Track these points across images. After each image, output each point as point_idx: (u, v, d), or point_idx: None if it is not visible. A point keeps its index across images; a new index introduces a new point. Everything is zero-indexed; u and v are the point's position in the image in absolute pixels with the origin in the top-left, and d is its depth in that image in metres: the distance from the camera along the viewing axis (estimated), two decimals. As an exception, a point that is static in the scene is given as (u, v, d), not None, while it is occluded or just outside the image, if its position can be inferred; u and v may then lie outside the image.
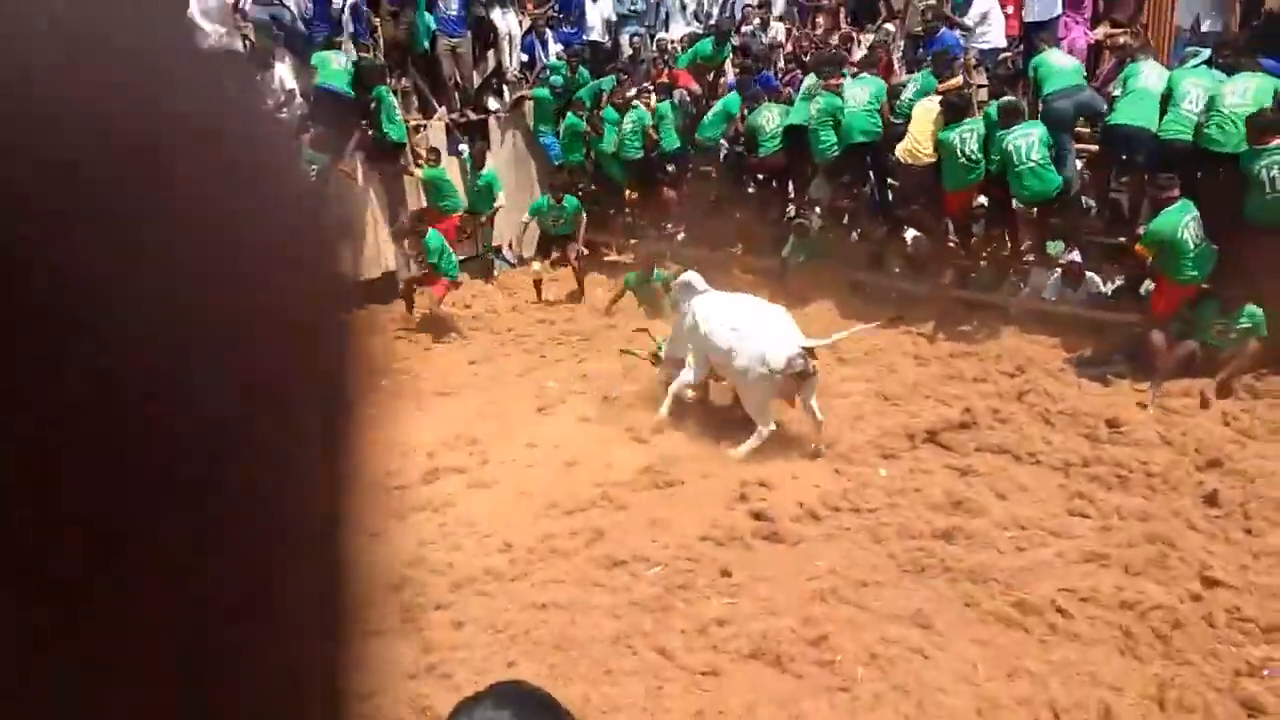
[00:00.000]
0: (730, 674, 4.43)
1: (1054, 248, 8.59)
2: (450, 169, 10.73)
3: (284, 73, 9.96)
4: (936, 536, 5.45)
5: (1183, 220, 6.97)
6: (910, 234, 9.39)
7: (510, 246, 11.44)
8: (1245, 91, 7.15)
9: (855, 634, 4.61)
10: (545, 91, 11.52)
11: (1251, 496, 5.56)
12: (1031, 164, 7.79)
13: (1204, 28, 9.14)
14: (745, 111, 9.87)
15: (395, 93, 10.45)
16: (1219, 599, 4.73)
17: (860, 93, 8.93)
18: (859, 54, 10.27)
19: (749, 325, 6.48)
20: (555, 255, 10.51)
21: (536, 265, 10.50)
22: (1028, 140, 7.79)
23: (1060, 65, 8.15)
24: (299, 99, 9.77)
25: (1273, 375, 7.05)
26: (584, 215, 10.53)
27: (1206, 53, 7.88)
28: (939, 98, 8.35)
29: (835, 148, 9.04)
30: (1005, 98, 8.18)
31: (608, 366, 8.46)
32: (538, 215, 10.50)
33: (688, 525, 5.75)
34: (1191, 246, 7.00)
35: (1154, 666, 4.32)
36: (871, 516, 5.82)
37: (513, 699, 1.36)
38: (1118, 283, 8.20)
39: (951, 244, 9.07)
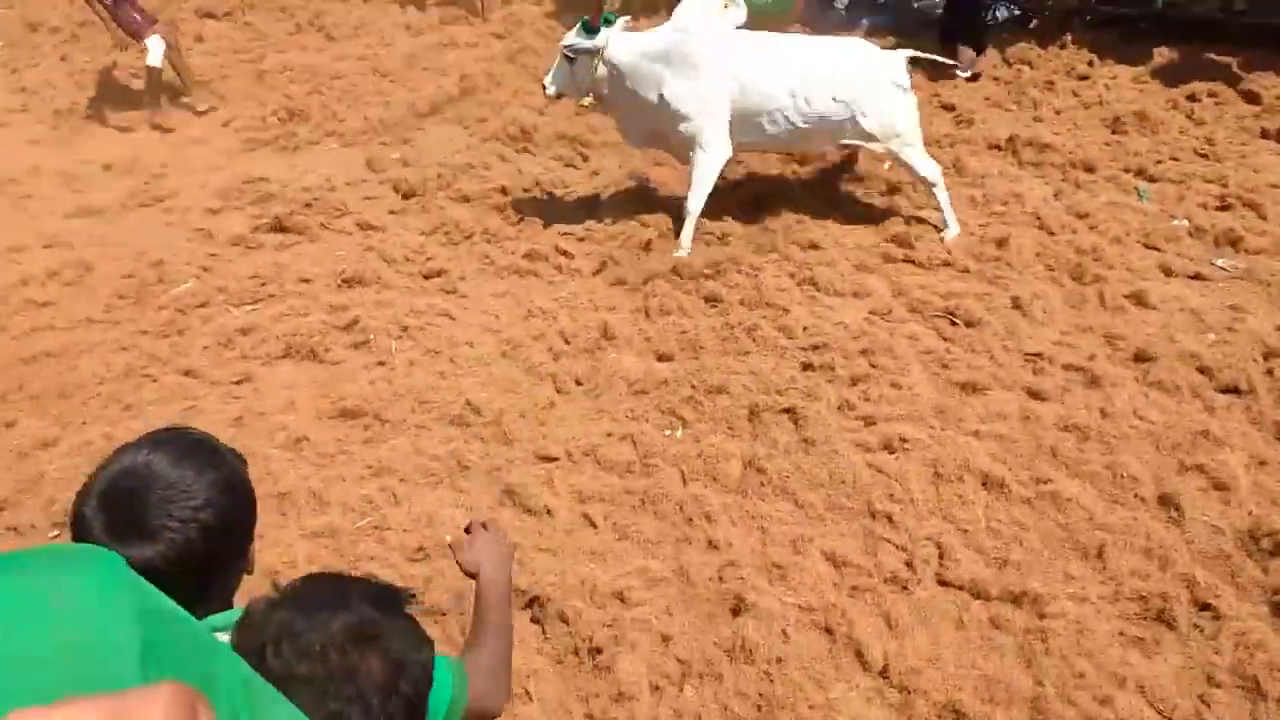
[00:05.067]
0: (265, 377, 4.39)
1: None
2: None
3: None
4: (454, 199, 5.62)
5: None
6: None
7: None
8: None
9: (385, 312, 4.75)
10: None
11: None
12: None
13: None
14: None
15: None
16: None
17: None
18: None
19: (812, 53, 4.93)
20: None
21: None
22: None
23: None
24: None
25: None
26: None
27: None
28: None
29: None
30: None
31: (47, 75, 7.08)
32: None
33: (177, 238, 5.32)
34: None
35: (640, 292, 5.01)
36: (393, 194, 5.83)
37: (169, 441, 1.36)
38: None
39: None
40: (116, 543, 1.28)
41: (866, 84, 4.85)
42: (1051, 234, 5.00)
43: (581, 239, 5.34)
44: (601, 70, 4.99)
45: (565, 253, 5.22)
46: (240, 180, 5.92)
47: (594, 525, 3.49)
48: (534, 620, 3.11)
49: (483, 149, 6.36)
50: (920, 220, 5.22)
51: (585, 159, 6.15)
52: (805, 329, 4.42)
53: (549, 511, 3.53)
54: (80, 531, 1.33)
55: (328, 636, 1.04)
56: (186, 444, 1.39)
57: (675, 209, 5.59)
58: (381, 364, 4.48)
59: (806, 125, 4.93)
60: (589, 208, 5.66)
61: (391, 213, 5.68)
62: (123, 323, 4.66)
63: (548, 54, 7.32)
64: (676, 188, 5.81)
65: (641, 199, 5.71)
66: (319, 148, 6.52)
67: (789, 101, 4.87)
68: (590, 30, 4.97)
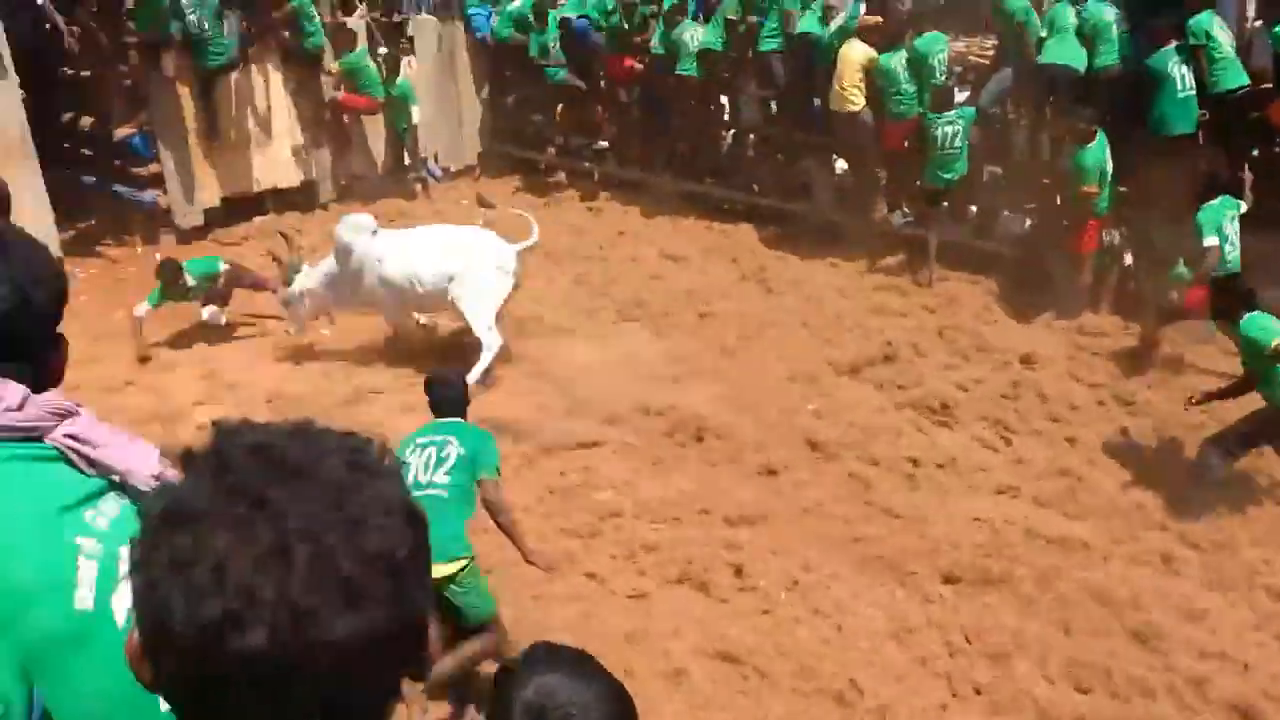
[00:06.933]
0: (658, 598, 4.53)
1: None
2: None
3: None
4: (863, 461, 5.62)
5: (1106, 153, 7.14)
6: (840, 164, 9.46)
7: (435, 159, 11.10)
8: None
9: (778, 561, 4.75)
10: None
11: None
12: (953, 151, 7.94)
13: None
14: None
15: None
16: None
17: None
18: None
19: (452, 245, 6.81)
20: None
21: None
22: (954, 129, 7.90)
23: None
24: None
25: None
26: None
27: None
28: (861, 44, 8.37)
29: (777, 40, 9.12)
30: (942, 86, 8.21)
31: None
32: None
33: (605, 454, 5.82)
34: (1109, 179, 7.20)
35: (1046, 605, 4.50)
36: (803, 445, 5.97)
37: (558, 661, 1.40)
38: (1031, 222, 8.42)
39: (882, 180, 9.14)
40: None
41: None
42: None
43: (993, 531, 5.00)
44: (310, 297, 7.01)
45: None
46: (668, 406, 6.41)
47: None
48: None
49: (896, 415, 6.33)
50: None
51: (1008, 443, 5.86)
52: None
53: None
54: None
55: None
56: (576, 661, 1.44)
57: (1111, 511, 5.09)
58: (766, 612, 4.43)
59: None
60: (1005, 499, 5.32)
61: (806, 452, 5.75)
62: (553, 516, 5.13)
63: (976, 335, 7.25)
64: (1113, 493, 5.29)
65: (1070, 497, 5.25)
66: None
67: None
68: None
